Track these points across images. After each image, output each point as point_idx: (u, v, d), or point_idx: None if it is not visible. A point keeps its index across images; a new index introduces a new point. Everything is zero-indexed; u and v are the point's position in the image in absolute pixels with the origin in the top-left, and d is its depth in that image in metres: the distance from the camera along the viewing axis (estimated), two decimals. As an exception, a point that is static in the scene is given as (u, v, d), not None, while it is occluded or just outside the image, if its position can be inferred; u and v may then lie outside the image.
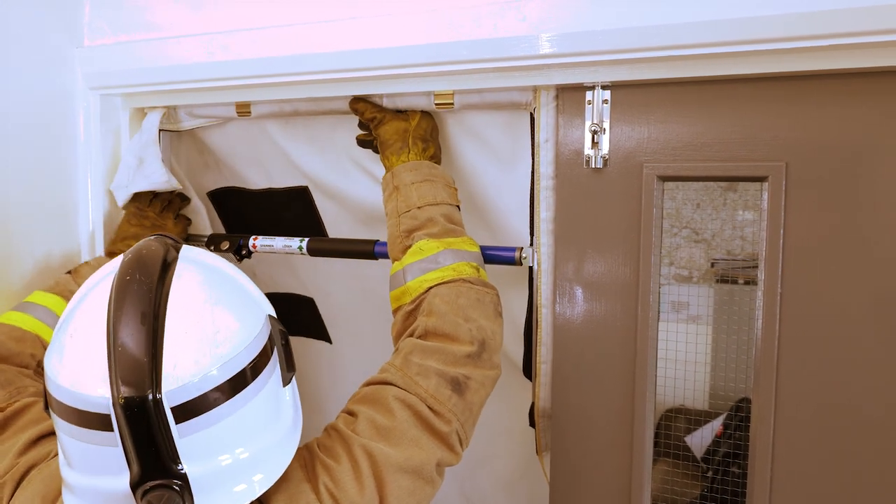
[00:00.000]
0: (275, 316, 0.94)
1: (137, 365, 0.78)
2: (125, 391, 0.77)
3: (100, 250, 1.60)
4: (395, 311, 1.25)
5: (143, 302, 0.81)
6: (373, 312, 1.83)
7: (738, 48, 1.06)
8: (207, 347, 0.81)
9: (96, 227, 1.62)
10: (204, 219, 1.75)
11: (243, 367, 0.84)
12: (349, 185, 1.61)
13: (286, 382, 0.93)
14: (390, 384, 1.07)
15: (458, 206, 1.32)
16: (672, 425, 2.16)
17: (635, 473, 1.27)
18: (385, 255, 1.47)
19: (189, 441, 0.81)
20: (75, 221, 1.61)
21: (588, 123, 1.24)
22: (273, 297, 1.91)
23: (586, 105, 1.24)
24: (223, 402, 0.82)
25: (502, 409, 1.75)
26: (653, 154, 1.21)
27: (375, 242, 1.50)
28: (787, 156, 1.13)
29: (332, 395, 2.02)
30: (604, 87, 1.22)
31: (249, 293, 0.93)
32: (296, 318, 1.98)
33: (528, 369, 1.45)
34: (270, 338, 0.90)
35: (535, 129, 1.30)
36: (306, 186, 1.70)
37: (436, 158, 1.37)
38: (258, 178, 1.74)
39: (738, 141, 1.16)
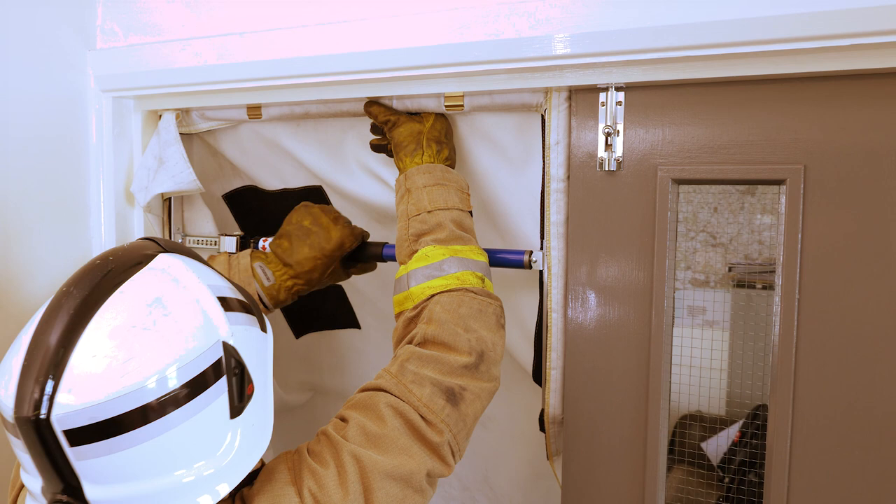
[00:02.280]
0: (232, 344, 0.88)
1: (36, 383, 0.78)
2: (19, 407, 0.77)
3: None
4: (397, 316, 1.24)
5: (65, 318, 0.81)
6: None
7: (755, 48, 1.04)
8: (111, 376, 0.78)
9: (108, 229, 1.62)
10: (211, 222, 1.75)
11: (153, 399, 0.79)
12: (359, 188, 1.61)
13: (235, 414, 0.87)
14: (384, 391, 1.05)
15: (469, 212, 1.31)
16: (688, 432, 2.14)
17: (649, 481, 1.25)
18: (394, 258, 1.46)
19: (91, 464, 0.79)
20: (87, 223, 1.62)
21: (601, 125, 1.22)
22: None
23: (600, 107, 1.22)
24: (126, 431, 0.78)
25: (516, 413, 1.75)
26: (667, 157, 1.19)
27: (384, 245, 1.49)
28: (806, 158, 1.10)
29: (362, 381, 2.02)
30: (617, 89, 1.21)
31: (206, 317, 0.87)
32: (323, 310, 1.99)
33: (539, 375, 1.44)
34: (215, 367, 0.85)
35: (546, 131, 1.28)
36: (320, 186, 1.70)
37: (450, 161, 1.36)
38: (272, 178, 1.74)
39: (755, 143, 1.13)
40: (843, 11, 0.97)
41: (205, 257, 1.48)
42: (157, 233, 1.70)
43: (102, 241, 1.62)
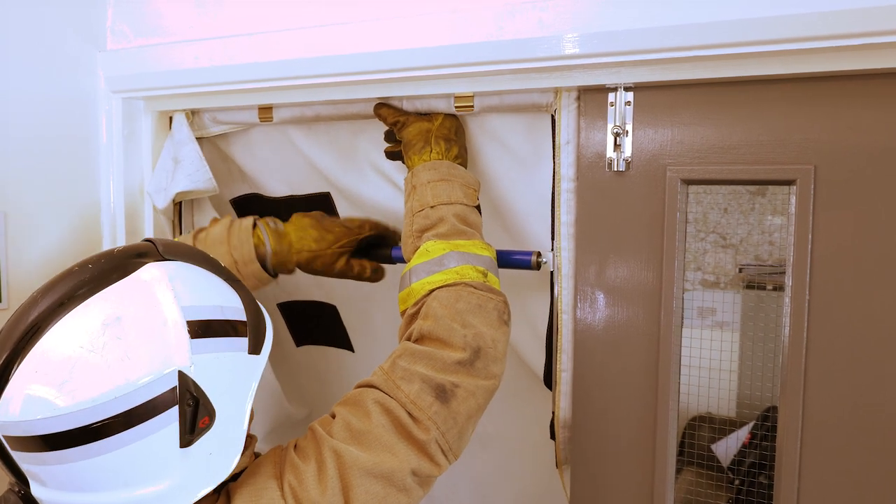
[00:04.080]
0: (190, 375, 0.85)
1: None
2: None
3: (122, 252, 1.61)
4: (402, 314, 1.23)
5: (23, 328, 0.82)
6: (396, 320, 1.81)
7: (764, 48, 1.03)
8: (47, 395, 0.78)
9: (119, 229, 1.63)
10: None
11: (83, 424, 0.78)
12: (371, 192, 1.60)
13: (185, 444, 0.85)
14: (373, 387, 1.05)
15: (476, 208, 1.30)
16: (697, 433, 2.13)
17: (658, 483, 1.24)
18: (402, 260, 1.46)
19: (31, 468, 0.82)
20: (98, 223, 1.63)
21: (610, 126, 1.22)
22: (297, 306, 1.91)
23: (608, 107, 1.22)
24: (57, 449, 0.79)
25: (524, 422, 1.71)
26: (677, 157, 1.19)
27: (393, 248, 1.49)
28: (817, 159, 1.10)
29: None
30: (626, 89, 1.20)
31: (164, 344, 0.84)
32: (319, 326, 1.97)
33: (549, 378, 1.43)
34: (163, 397, 0.82)
35: (556, 132, 1.28)
36: (328, 192, 1.69)
37: (460, 159, 1.35)
38: (279, 184, 1.74)
39: (765, 143, 1.13)
40: (853, 11, 0.96)
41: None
42: (167, 235, 1.70)
43: (114, 241, 1.63)
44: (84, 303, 0.83)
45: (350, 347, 1.96)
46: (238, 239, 1.41)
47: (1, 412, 0.79)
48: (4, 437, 0.81)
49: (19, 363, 0.80)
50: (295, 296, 1.93)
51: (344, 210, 1.71)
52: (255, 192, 1.79)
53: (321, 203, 1.71)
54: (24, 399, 0.78)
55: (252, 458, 1.00)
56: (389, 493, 0.95)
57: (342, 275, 1.49)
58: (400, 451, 0.97)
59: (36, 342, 0.81)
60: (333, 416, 1.03)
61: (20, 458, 0.82)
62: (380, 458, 0.95)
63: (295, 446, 0.99)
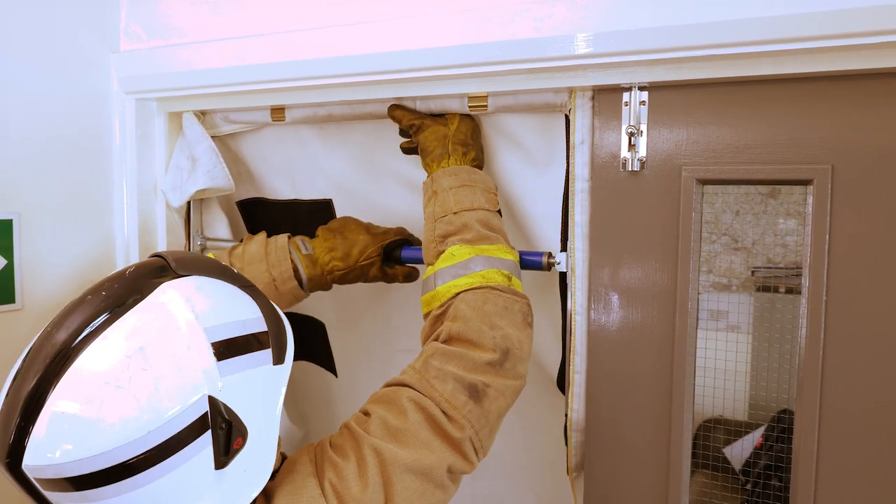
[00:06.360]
0: (220, 399, 0.83)
1: (7, 433, 0.78)
2: None
3: (135, 252, 1.62)
4: (425, 316, 1.25)
5: (42, 366, 0.78)
6: (386, 350, 1.81)
7: (781, 47, 1.02)
8: (76, 437, 0.76)
9: (131, 230, 1.63)
10: (226, 227, 1.75)
11: (119, 462, 0.76)
12: (380, 193, 1.60)
13: (220, 466, 0.84)
14: (407, 386, 1.06)
15: (498, 212, 1.31)
16: (710, 436, 2.12)
17: (672, 486, 1.23)
18: (411, 260, 1.46)
19: None
20: (111, 224, 1.63)
21: (625, 125, 1.21)
22: (292, 318, 1.89)
23: (623, 106, 1.21)
24: (92, 487, 0.77)
25: (536, 430, 1.70)
26: (692, 157, 1.18)
27: (404, 247, 1.48)
28: (833, 158, 1.09)
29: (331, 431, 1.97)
30: (641, 88, 1.20)
31: (191, 372, 0.82)
32: (310, 342, 1.96)
33: (563, 381, 1.42)
34: (196, 425, 0.81)
35: (571, 131, 1.27)
36: (330, 200, 1.69)
37: (477, 161, 1.36)
38: (284, 187, 1.74)
39: (781, 143, 1.12)
40: (870, 9, 0.95)
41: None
42: (180, 235, 1.70)
43: (127, 241, 1.63)
44: (103, 335, 0.80)
45: (333, 371, 1.94)
46: (276, 258, 1.43)
47: (29, 457, 0.76)
48: (35, 479, 0.78)
49: (43, 405, 0.77)
50: (292, 307, 1.92)
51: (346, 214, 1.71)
52: (260, 195, 1.79)
53: (323, 209, 1.71)
54: (52, 442, 0.76)
55: (280, 457, 1.00)
56: (427, 489, 0.97)
57: (376, 280, 1.50)
58: (436, 448, 0.99)
59: (58, 382, 0.77)
60: (367, 414, 1.04)
61: (56, 497, 0.79)
62: (419, 455, 0.97)
63: (330, 444, 1.00)
